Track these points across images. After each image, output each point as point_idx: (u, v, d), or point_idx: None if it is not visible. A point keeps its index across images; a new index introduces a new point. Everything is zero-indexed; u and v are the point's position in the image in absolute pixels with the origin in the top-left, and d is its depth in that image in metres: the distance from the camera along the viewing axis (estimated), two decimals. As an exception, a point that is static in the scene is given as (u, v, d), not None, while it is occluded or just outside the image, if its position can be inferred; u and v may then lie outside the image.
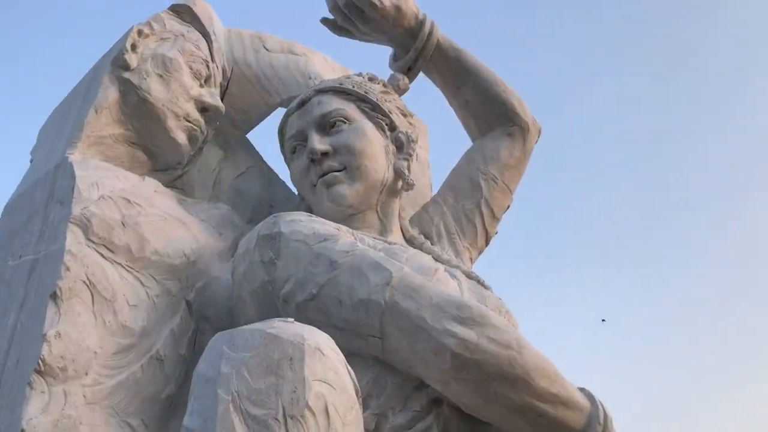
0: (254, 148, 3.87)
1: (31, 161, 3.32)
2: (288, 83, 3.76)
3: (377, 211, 3.18)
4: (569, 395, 2.45)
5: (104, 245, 2.61)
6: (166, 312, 2.74)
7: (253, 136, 3.89)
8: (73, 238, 2.55)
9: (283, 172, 3.94)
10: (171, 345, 2.72)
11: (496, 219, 3.52)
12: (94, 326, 2.46)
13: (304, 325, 1.90)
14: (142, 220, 2.76)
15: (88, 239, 2.58)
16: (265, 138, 3.99)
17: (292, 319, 1.93)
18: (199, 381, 1.77)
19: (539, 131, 3.72)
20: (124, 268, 2.64)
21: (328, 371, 1.78)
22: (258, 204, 3.65)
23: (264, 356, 1.74)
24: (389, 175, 3.17)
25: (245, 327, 1.83)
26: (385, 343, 2.46)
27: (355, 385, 1.91)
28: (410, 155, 3.25)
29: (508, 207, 3.61)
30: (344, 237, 2.67)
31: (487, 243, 3.53)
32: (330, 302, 2.50)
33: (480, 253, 3.51)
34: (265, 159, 3.88)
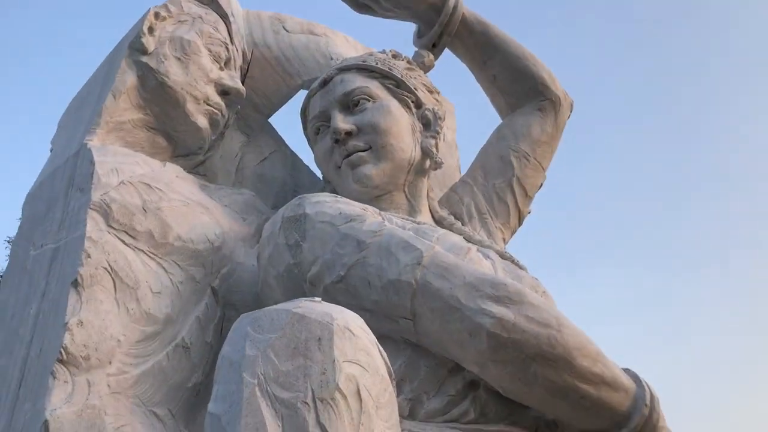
0: (277, 132, 3.78)
1: (51, 150, 3.26)
2: (309, 64, 3.66)
3: (405, 192, 3.07)
4: (613, 375, 2.32)
5: (125, 231, 2.53)
6: (190, 299, 2.66)
7: (275, 120, 3.81)
8: (94, 225, 2.48)
9: (307, 156, 3.85)
10: (197, 333, 2.64)
11: (528, 197, 3.39)
12: (117, 314, 2.39)
13: (331, 304, 1.80)
14: (164, 205, 2.68)
15: (109, 225, 2.51)
16: (287, 122, 3.91)
17: (320, 299, 1.83)
18: (223, 364, 1.68)
19: (571, 105, 3.58)
20: (146, 254, 2.57)
21: (358, 352, 1.68)
22: (282, 190, 3.57)
23: (291, 337, 1.64)
24: (416, 153, 3.05)
25: (270, 307, 1.73)
26: (417, 325, 2.36)
27: (388, 367, 1.80)
28: (437, 133, 3.13)
29: (541, 185, 3.48)
30: (371, 217, 2.56)
31: (520, 222, 3.40)
32: (359, 284, 2.40)
33: (513, 233, 3.38)
34: (288, 144, 3.79)
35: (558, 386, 2.26)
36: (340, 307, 1.81)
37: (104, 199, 2.53)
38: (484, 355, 2.25)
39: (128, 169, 2.71)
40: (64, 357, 2.22)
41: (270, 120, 3.77)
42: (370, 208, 2.67)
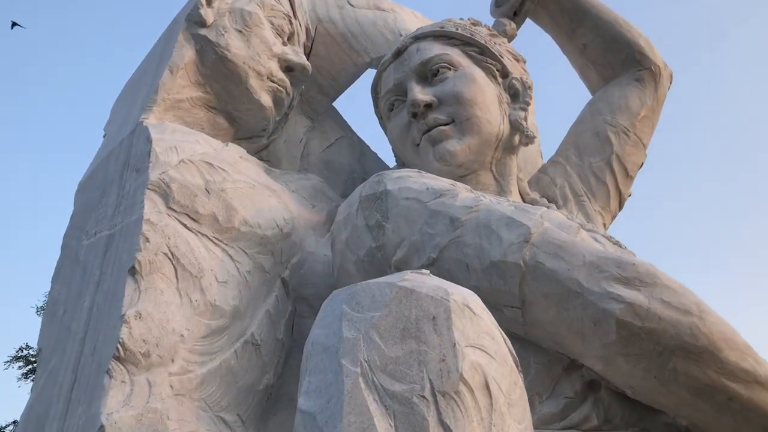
0: (342, 117, 3.49)
1: (104, 137, 3.02)
2: (377, 41, 3.36)
3: (492, 171, 2.72)
4: (766, 373, 1.91)
5: (187, 214, 2.25)
6: (260, 290, 2.36)
7: (340, 106, 3.52)
8: (152, 207, 2.20)
9: (375, 143, 3.55)
10: (267, 328, 2.34)
11: (629, 178, 3.01)
12: (179, 305, 2.10)
13: (442, 279, 1.47)
14: (229, 186, 2.39)
15: (169, 207, 2.23)
16: (351, 108, 3.62)
17: (428, 271, 1.49)
18: (314, 351, 1.36)
19: (671, 77, 3.19)
20: (210, 239, 2.28)
21: (482, 335, 1.34)
22: (349, 177, 3.26)
23: (398, 315, 1.31)
24: (504, 127, 2.71)
25: (369, 281, 1.41)
26: (526, 314, 2.00)
27: (514, 356, 1.46)
28: (527, 104, 2.79)
29: (642, 164, 3.09)
30: (464, 191, 2.22)
31: (620, 206, 3.02)
32: (454, 267, 2.06)
33: (613, 218, 3.00)
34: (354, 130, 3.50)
35: (701, 385, 1.87)
36: (451, 282, 1.47)
37: (163, 179, 2.26)
38: (612, 349, 1.88)
39: (188, 147, 2.44)
40: (122, 353, 1.93)
41: (335, 106, 3.49)
42: (459, 184, 2.32)
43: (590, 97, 3.29)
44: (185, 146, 2.43)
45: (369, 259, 2.21)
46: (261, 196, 2.49)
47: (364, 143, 3.47)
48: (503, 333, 1.46)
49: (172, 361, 2.02)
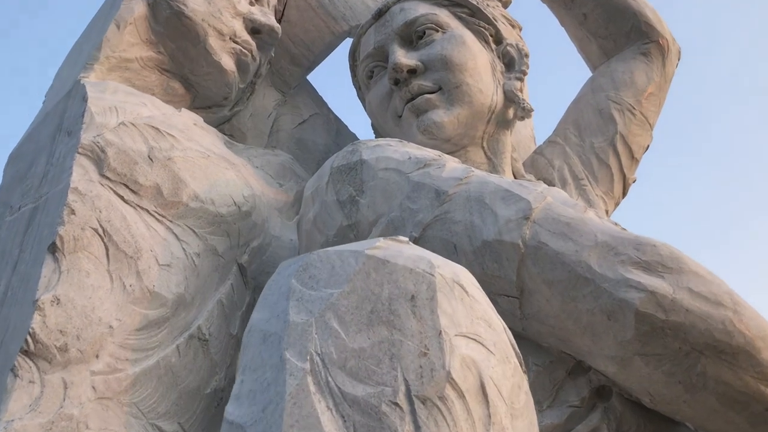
0: (317, 93, 3.16)
1: (44, 104, 2.66)
2: (356, 8, 3.05)
3: (483, 147, 2.40)
4: None
5: (124, 184, 1.90)
6: (211, 277, 2.01)
7: (315, 81, 3.19)
8: (82, 174, 1.85)
9: (354, 123, 3.23)
10: (219, 321, 1.99)
11: (635, 160, 2.69)
12: (109, 291, 1.75)
13: (425, 249, 1.13)
14: (177, 155, 2.04)
15: (102, 175, 1.88)
16: (328, 84, 3.29)
17: (406, 239, 1.15)
18: (252, 341, 1.02)
19: (679, 52, 2.88)
20: (151, 215, 1.93)
21: (477, 322, 1.01)
22: (324, 157, 2.93)
23: (365, 293, 0.97)
24: (498, 98, 2.39)
25: (329, 249, 1.07)
26: (525, 305, 1.67)
27: (516, 352, 1.12)
28: (524, 74, 2.47)
29: (648, 147, 2.78)
30: (452, 161, 1.89)
31: (624, 192, 2.70)
32: (440, 248, 1.73)
33: (616, 205, 2.69)
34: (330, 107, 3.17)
35: (735, 392, 1.55)
36: (436, 254, 1.14)
37: (97, 142, 1.90)
38: (629, 347, 1.56)
39: (132, 109, 2.08)
40: (31, 347, 1.57)
41: (309, 80, 3.16)
42: (446, 155, 1.99)
43: (590, 74, 2.98)
44: (128, 108, 2.08)
45: (340, 240, 1.87)
46: (216, 167, 2.14)
47: (341, 121, 3.15)
48: (503, 321, 1.13)
49: (97, 357, 1.67)
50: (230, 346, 2.00)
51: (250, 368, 0.99)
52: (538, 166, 2.63)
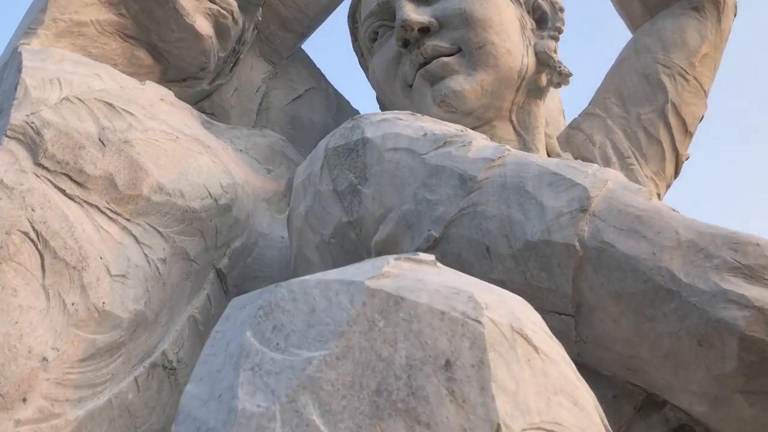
0: (314, 64, 2.75)
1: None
2: (358, -37, 2.62)
3: (512, 121, 1.99)
4: None
5: (66, 174, 1.51)
6: (180, 287, 1.63)
7: (311, 50, 2.78)
8: (11, 161, 1.46)
9: (356, 98, 2.82)
10: (191, 343, 1.61)
11: (689, 134, 2.28)
12: (44, 312, 1.37)
13: (459, 272, 0.73)
14: (136, 137, 1.65)
15: (38, 164, 1.49)
16: (326, 54, 2.88)
17: (431, 257, 0.76)
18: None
19: (735, 6, 2.45)
20: (102, 213, 1.54)
21: (557, 400, 0.61)
22: (322, 138, 2.51)
23: (366, 358, 0.59)
24: (529, 61, 1.98)
25: (306, 278, 0.67)
26: (582, 326, 1.28)
27: None
28: (559, 31, 2.05)
29: (702, 117, 2.36)
30: (479, 139, 1.49)
31: (677, 172, 2.29)
32: (468, 252, 1.33)
33: (668, 187, 2.27)
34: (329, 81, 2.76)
35: None
36: (478, 279, 0.74)
37: (32, 122, 1.51)
38: (728, 383, 1.16)
39: (80, 81, 1.69)
40: (-66, 392, 1.19)
41: (305, 49, 2.75)
42: (471, 131, 1.58)
43: (629, 36, 2.55)
44: (75, 80, 1.68)
45: (338, 241, 1.48)
46: (187, 152, 1.75)
47: (342, 96, 2.74)
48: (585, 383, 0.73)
49: (24, 401, 1.29)
50: (206, 373, 1.61)
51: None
52: (575, 142, 2.22)
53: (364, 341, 0.60)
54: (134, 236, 1.57)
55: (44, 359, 1.33)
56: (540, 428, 0.60)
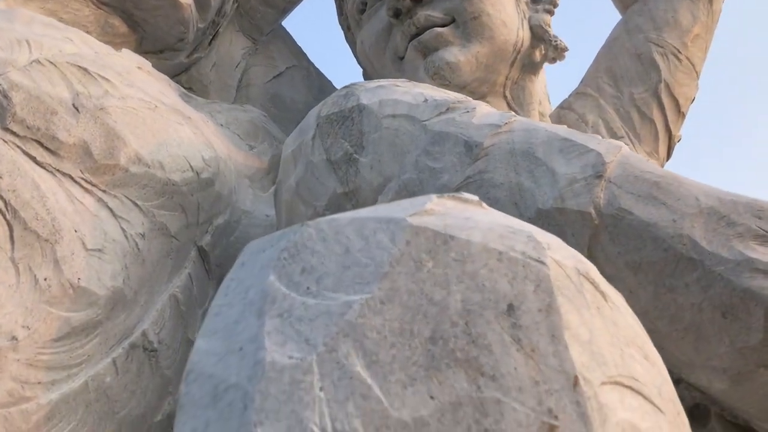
0: (295, 42, 2.65)
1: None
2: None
3: (506, 96, 1.92)
4: None
5: (37, 141, 1.39)
6: (160, 265, 1.52)
7: (293, 29, 2.67)
8: (-25, 126, 1.34)
9: (338, 80, 2.73)
10: (172, 323, 1.51)
11: (681, 115, 2.24)
12: (13, 287, 1.25)
13: (507, 215, 0.65)
14: (113, 104, 1.53)
15: (5, 129, 1.37)
16: (308, 33, 2.78)
17: (476, 198, 0.67)
18: (191, 397, 0.53)
19: (726, -12, 2.41)
20: (77, 183, 1.42)
21: (629, 352, 0.53)
22: (304, 117, 2.42)
23: (416, 301, 0.50)
24: (524, 34, 1.91)
25: (337, 217, 0.58)
26: (597, 299, 1.19)
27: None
28: (554, 5, 1.99)
29: (694, 99, 2.32)
30: (483, 105, 1.41)
31: (669, 153, 2.25)
32: None
33: (661, 167, 2.22)
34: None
35: None
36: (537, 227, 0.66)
37: (-1, 85, 1.39)
38: (752, 356, 1.10)
39: (51, 44, 1.57)
40: None
41: (285, 27, 2.65)
42: (472, 101, 1.51)
43: (618, 19, 2.50)
44: (46, 42, 1.56)
45: (332, 213, 1.38)
46: (167, 122, 1.64)
47: (324, 76, 2.64)
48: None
49: (-8, 383, 1.17)
50: (188, 356, 1.51)
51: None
52: (567, 122, 2.16)
53: (412, 283, 0.51)
54: (110, 209, 1.46)
55: (14, 338, 1.22)
56: (617, 382, 0.52)
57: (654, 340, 1.18)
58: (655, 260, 1.14)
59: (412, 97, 1.41)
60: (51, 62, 1.51)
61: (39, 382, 1.24)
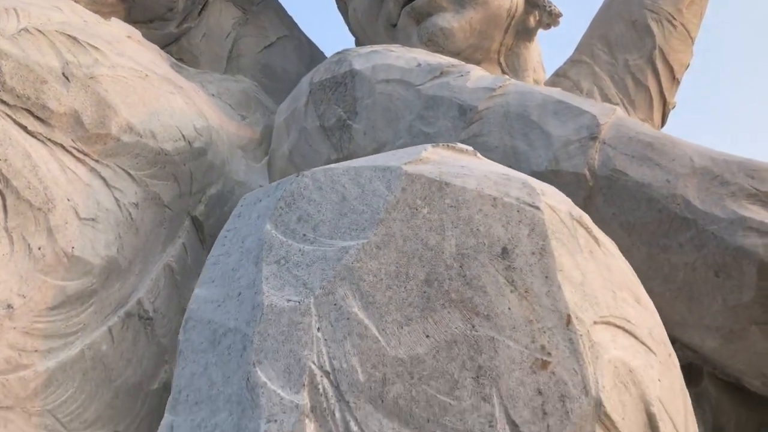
0: (286, 12, 2.62)
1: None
2: None
3: (500, 64, 1.91)
4: None
5: (28, 110, 1.38)
6: (154, 234, 1.52)
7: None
8: (-36, 95, 1.32)
9: (329, 47, 2.70)
10: (167, 292, 1.51)
11: (676, 81, 2.23)
12: (7, 256, 1.25)
13: (504, 166, 0.65)
14: (104, 72, 1.52)
15: (-5, 98, 1.35)
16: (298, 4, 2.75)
17: (471, 147, 0.67)
18: (191, 344, 0.53)
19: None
20: (68, 152, 1.42)
21: (621, 295, 0.54)
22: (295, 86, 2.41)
23: (411, 246, 0.50)
24: (518, 0, 1.89)
25: (333, 166, 0.58)
26: (591, 260, 1.20)
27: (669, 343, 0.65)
28: (548, -29, 1.97)
29: (688, 66, 2.31)
30: (477, 69, 1.41)
31: (663, 120, 2.24)
32: None
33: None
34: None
35: None
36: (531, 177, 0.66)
37: (-14, 53, 1.37)
38: (744, 314, 1.11)
39: (39, 12, 1.54)
40: None
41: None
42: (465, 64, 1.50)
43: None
44: (34, 11, 1.54)
45: (326, 180, 1.37)
46: (158, 91, 1.62)
47: (315, 46, 2.62)
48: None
49: (-12, 350, 1.17)
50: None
51: (187, 402, 0.51)
52: (562, 89, 2.15)
53: (407, 229, 0.51)
54: (103, 178, 1.45)
55: (9, 306, 1.22)
56: (609, 323, 0.53)
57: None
58: (649, 221, 1.14)
59: (406, 62, 1.40)
60: (40, 31, 1.49)
61: (36, 350, 1.24)
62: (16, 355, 1.21)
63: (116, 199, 1.46)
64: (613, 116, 1.23)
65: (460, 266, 0.50)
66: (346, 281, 0.49)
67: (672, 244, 1.13)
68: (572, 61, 2.25)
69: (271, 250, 0.51)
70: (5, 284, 1.23)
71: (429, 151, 0.59)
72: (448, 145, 0.64)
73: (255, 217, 0.56)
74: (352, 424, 0.46)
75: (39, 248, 1.29)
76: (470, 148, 0.65)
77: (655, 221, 1.14)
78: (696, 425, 0.69)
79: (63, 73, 1.46)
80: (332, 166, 0.57)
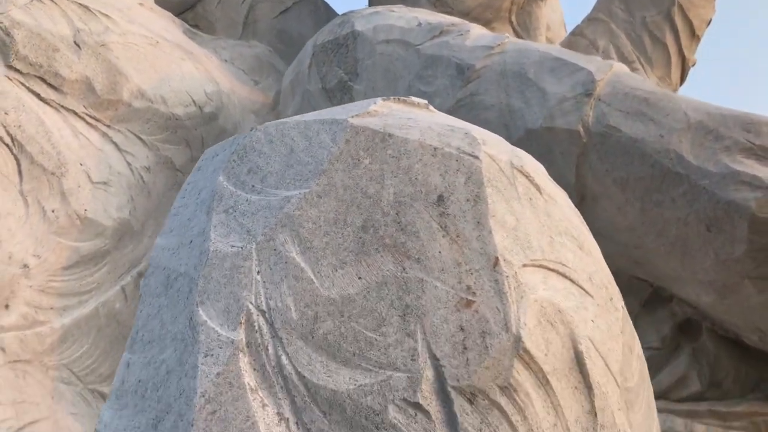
0: (302, -24, 2.62)
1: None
2: None
3: (511, 22, 1.90)
4: None
5: (40, 77, 1.42)
6: (166, 197, 1.57)
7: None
8: (-21, 64, 1.37)
9: (345, 9, 2.70)
10: (179, 254, 1.55)
11: (696, 38, 2.17)
12: (23, 219, 1.30)
13: (456, 119, 0.66)
14: (114, 40, 1.55)
15: (9, 66, 1.40)
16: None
17: (425, 102, 0.69)
18: (148, 288, 0.57)
19: None
20: (81, 118, 1.46)
21: (560, 240, 0.56)
22: (314, 53, 2.41)
23: (351, 195, 0.53)
24: (529, -42, 1.86)
25: (284, 120, 0.60)
26: (586, 215, 1.21)
27: (615, 287, 0.66)
28: (560, -74, 1.93)
29: (710, 21, 2.24)
30: (477, 28, 1.40)
31: (683, 78, 2.19)
32: None
33: (674, 92, 2.18)
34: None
35: None
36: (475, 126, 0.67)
37: (0, 22, 1.41)
38: (737, 268, 1.11)
39: (51, -18, 1.58)
40: None
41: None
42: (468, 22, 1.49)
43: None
44: (46, -20, 1.57)
45: (328, 141, 1.39)
46: (169, 57, 1.66)
47: (332, 9, 2.62)
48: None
49: (6, 307, 1.24)
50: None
51: (142, 341, 0.55)
52: (577, 48, 2.12)
53: (348, 179, 0.54)
54: (115, 143, 1.50)
55: (25, 266, 1.28)
56: (542, 266, 0.55)
57: (642, 256, 1.20)
58: (642, 176, 1.14)
59: (406, 22, 1.40)
60: (52, 0, 1.53)
61: (51, 308, 1.31)
62: (32, 312, 1.28)
63: (128, 163, 1.51)
64: (609, 72, 1.22)
65: (396, 213, 0.52)
66: (286, 228, 0.51)
67: (665, 199, 1.13)
68: (589, 20, 2.21)
69: (221, 200, 0.54)
70: (21, 245, 1.29)
71: (379, 104, 0.61)
72: (399, 99, 0.65)
73: (211, 171, 0.59)
74: (284, 357, 0.49)
75: (53, 211, 1.35)
76: (423, 101, 0.67)
77: (648, 176, 1.14)
78: (646, 368, 0.71)
79: (74, 41, 1.50)
80: (285, 120, 0.59)
